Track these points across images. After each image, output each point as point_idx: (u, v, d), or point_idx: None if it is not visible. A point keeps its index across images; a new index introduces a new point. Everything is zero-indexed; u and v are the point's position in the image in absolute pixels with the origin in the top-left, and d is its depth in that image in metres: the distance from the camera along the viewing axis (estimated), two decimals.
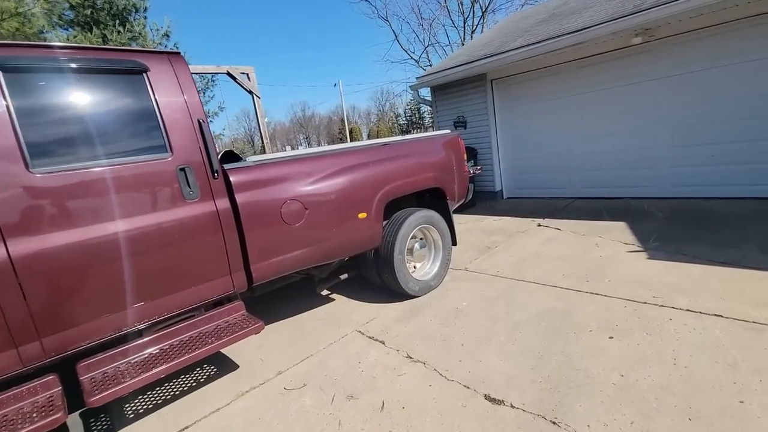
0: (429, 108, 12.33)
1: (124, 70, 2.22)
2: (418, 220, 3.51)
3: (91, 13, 9.67)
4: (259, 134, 9.92)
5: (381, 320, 3.24)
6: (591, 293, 3.14)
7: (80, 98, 2.09)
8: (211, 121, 13.86)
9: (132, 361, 2.23)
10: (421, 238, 3.75)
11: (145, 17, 11.20)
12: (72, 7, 9.42)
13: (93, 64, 2.12)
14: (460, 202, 4.38)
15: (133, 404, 2.57)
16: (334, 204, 2.94)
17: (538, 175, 6.84)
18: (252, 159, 2.77)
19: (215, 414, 2.37)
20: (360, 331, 3.11)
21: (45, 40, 7.59)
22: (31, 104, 1.95)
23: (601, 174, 6.10)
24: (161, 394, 2.65)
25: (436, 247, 3.79)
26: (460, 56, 7.64)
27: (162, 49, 2.16)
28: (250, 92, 8.92)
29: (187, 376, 2.83)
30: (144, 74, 2.26)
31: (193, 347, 2.31)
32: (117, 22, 9.90)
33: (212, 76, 13.25)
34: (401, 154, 3.46)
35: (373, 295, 3.70)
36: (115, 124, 2.19)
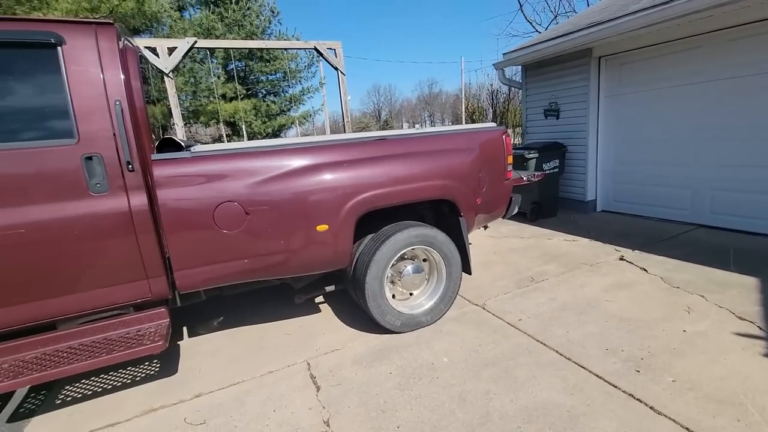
0: (507, 92, 10.46)
1: (34, 42, 1.98)
2: (409, 240, 2.75)
3: None
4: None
5: (340, 355, 2.66)
6: (630, 396, 2.03)
7: None
8: (310, 96, 14.36)
9: (24, 359, 2.12)
10: (424, 259, 2.98)
11: None
12: None
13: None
14: (493, 219, 3.40)
15: (65, 390, 2.54)
16: (284, 211, 2.40)
17: (648, 187, 5.14)
18: (197, 149, 2.39)
19: (109, 428, 2.16)
20: (309, 364, 2.59)
21: (159, 21, 8.47)
22: None
23: (744, 198, 4.23)
24: (96, 384, 2.56)
25: (438, 274, 2.97)
26: (564, 27, 6.09)
27: (103, 20, 2.03)
28: (336, 68, 8.77)
29: (133, 368, 2.71)
30: (58, 48, 2.00)
31: (82, 357, 2.10)
32: (234, 0, 10.65)
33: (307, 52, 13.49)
34: (395, 153, 2.70)
35: (359, 316, 3.11)
36: (13, 101, 2.00)
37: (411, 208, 3.05)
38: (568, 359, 2.38)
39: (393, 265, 2.83)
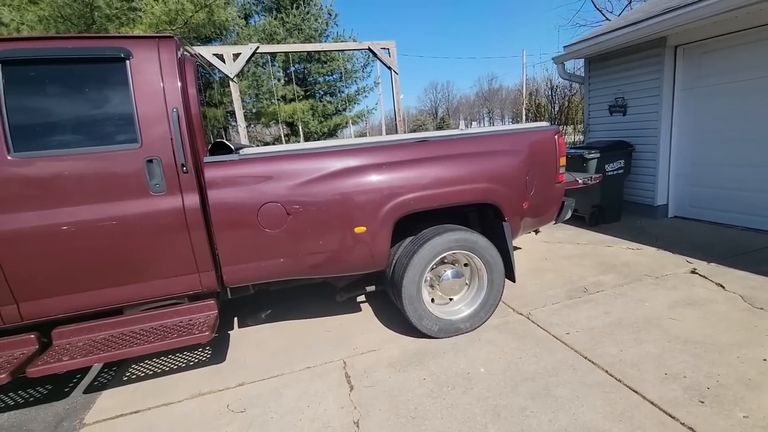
0: (569, 87, 9.65)
1: (107, 57, 2.22)
2: (448, 244, 2.68)
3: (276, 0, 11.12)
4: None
5: (376, 356, 2.67)
6: (690, 429, 1.81)
7: (61, 86, 2.20)
8: (365, 96, 14.55)
9: (96, 338, 2.39)
10: (465, 264, 2.90)
11: None
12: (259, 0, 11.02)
13: (77, 53, 2.17)
14: (542, 224, 3.21)
15: (131, 368, 2.82)
16: (323, 212, 2.46)
17: (731, 191, 4.55)
18: (244, 152, 2.52)
19: (163, 408, 2.37)
20: (345, 363, 2.64)
21: (227, 29, 9.06)
22: (18, 94, 2.12)
23: None
24: (156, 365, 2.82)
25: (480, 281, 2.87)
26: (634, 14, 5.56)
27: (164, 33, 2.20)
28: (389, 68, 8.83)
29: (188, 353, 2.95)
30: (127, 61, 2.22)
31: (142, 341, 2.32)
32: (294, 5, 11.11)
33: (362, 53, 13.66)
34: (436, 155, 2.65)
35: (398, 318, 3.11)
36: (88, 111, 2.24)
37: (455, 211, 2.98)
38: (619, 381, 2.18)
39: (432, 268, 2.79)
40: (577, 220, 5.39)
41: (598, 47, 5.31)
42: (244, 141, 7.76)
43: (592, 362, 2.37)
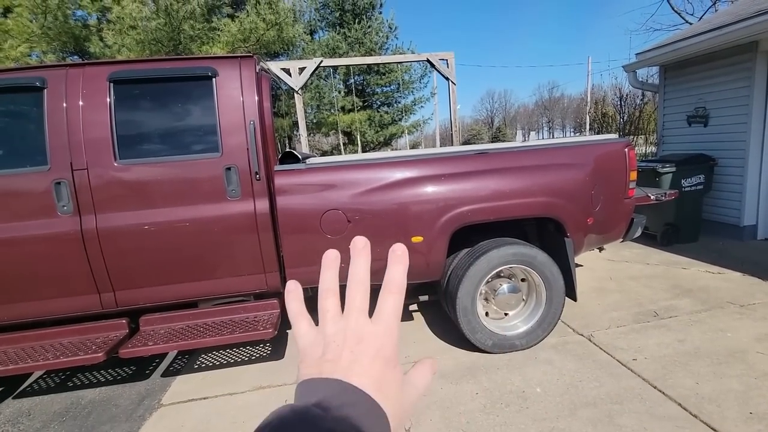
0: (641, 96, 8.89)
1: (199, 76, 2.49)
2: (506, 258, 2.64)
3: (339, 15, 11.62)
4: (450, 122, 9.84)
5: None
6: None
7: (157, 102, 2.50)
8: (421, 106, 14.65)
9: (174, 328, 2.64)
10: (522, 279, 2.83)
11: (380, 12, 12.58)
12: (324, 15, 11.57)
13: (173, 73, 2.46)
14: (608, 241, 3.05)
15: (202, 358, 3.08)
16: (382, 221, 2.54)
17: None
18: (311, 161, 2.69)
19: (229, 397, 2.56)
20: None
21: (294, 45, 9.62)
22: (124, 109, 2.44)
23: None
24: (224, 357, 3.06)
25: (537, 297, 2.78)
26: (719, 18, 5.11)
27: (245, 53, 2.39)
28: (447, 78, 8.87)
29: (251, 348, 3.16)
30: (213, 79, 2.48)
31: (212, 333, 2.53)
32: (356, 20, 11.55)
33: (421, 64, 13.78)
34: (495, 168, 2.63)
35: (450, 330, 3.10)
36: (178, 124, 2.52)
37: (514, 224, 2.93)
38: (695, 416, 2.01)
39: (488, 282, 2.76)
40: (648, 239, 5.01)
41: (676, 54, 4.94)
42: (306, 149, 8.16)
43: (663, 393, 2.20)
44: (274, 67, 7.59)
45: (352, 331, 0.34)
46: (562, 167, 2.69)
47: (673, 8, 14.09)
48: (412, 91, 14.66)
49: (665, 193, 3.47)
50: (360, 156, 2.70)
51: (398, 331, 0.35)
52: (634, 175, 2.94)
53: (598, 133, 11.22)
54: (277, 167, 2.56)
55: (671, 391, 2.20)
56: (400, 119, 14.48)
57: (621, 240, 3.11)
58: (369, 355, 0.33)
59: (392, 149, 14.86)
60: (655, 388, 2.25)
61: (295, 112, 7.64)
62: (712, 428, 1.92)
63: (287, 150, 2.79)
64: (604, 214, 2.83)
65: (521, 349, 2.75)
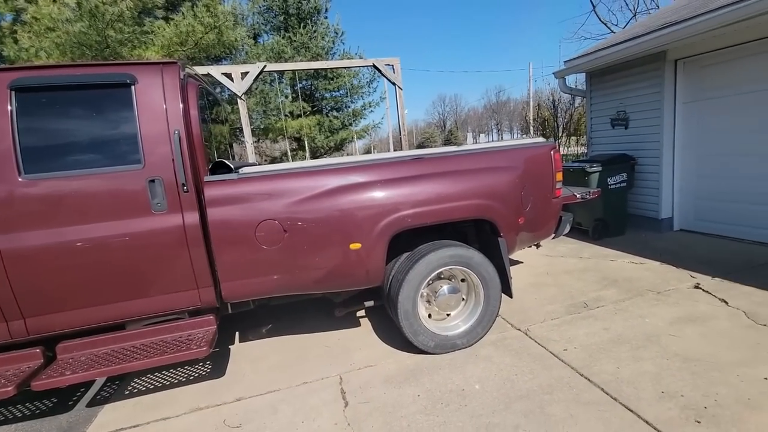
0: (571, 100, 9.64)
1: (115, 83, 2.33)
2: (444, 260, 2.70)
3: (284, 19, 11.44)
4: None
5: (372, 372, 2.69)
6: None
7: (69, 111, 2.32)
8: (371, 111, 14.78)
9: (98, 353, 2.45)
10: (462, 280, 2.91)
11: (326, 17, 12.55)
12: (268, 19, 11.36)
13: (85, 80, 2.29)
14: (539, 239, 3.22)
15: (134, 382, 2.88)
16: (319, 229, 2.51)
17: (739, 204, 4.49)
18: (244, 171, 2.61)
19: (162, 422, 2.40)
20: (341, 378, 2.65)
21: (236, 49, 9.34)
22: (30, 118, 2.24)
23: None
24: (158, 379, 2.87)
25: (476, 296, 2.87)
26: (634, 29, 5.60)
27: (168, 59, 2.28)
28: (394, 83, 8.97)
29: (189, 367, 2.99)
30: (132, 86, 2.34)
31: (141, 355, 2.38)
32: (302, 24, 11.42)
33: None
34: (430, 172, 2.70)
35: (396, 334, 3.12)
36: (94, 134, 2.35)
37: (453, 227, 3.01)
38: (615, 399, 2.16)
39: (429, 284, 2.81)
40: (581, 234, 5.36)
41: (599, 62, 5.35)
42: (252, 157, 7.93)
43: (589, 380, 2.35)
44: (215, 71, 7.32)
45: None
46: (493, 170, 2.81)
47: (600, 19, 15.26)
48: (361, 96, 14.74)
49: (589, 192, 3.73)
50: (294, 164, 2.65)
51: None
52: (560, 176, 3.13)
53: (542, 136, 11.83)
54: (207, 178, 2.46)
55: (596, 378, 2.36)
56: (351, 124, 14.50)
57: (552, 237, 3.29)
58: None
59: (343, 154, 14.81)
60: (582, 375, 2.40)
61: (240, 118, 7.40)
62: (629, 409, 2.08)
63: (219, 160, 2.69)
64: (534, 213, 2.99)
65: (463, 348, 2.83)
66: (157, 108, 2.35)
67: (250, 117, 11.86)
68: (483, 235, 3.11)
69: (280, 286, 2.61)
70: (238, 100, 7.59)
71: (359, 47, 24.38)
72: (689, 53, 4.64)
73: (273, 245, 2.50)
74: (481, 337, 2.88)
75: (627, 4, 17.22)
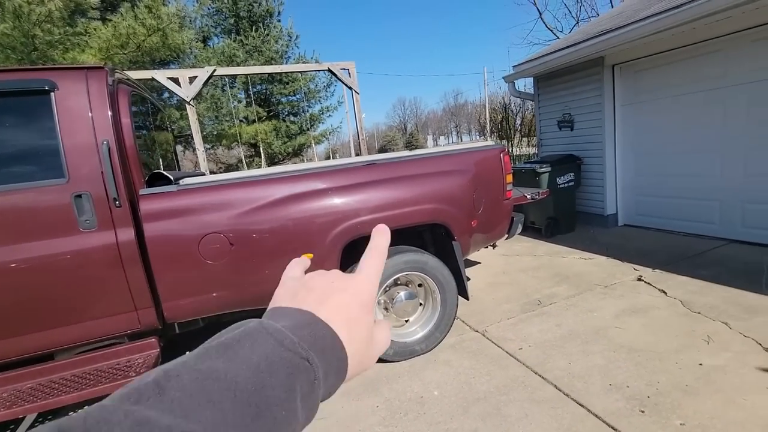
0: (521, 104, 10.16)
1: (31, 90, 2.12)
2: (399, 266, 2.68)
3: (235, 22, 11.09)
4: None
5: None
6: None
7: None
8: (329, 115, 14.65)
9: (22, 388, 2.20)
10: (419, 284, 2.90)
11: (279, 20, 12.29)
12: (217, 22, 10.98)
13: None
14: (493, 240, 3.28)
15: (70, 415, 2.62)
16: (269, 241, 2.41)
17: (673, 199, 4.83)
18: (185, 182, 2.45)
19: None
20: None
21: (184, 52, 8.94)
22: None
23: None
24: None
25: (433, 301, 2.87)
26: (575, 36, 5.91)
27: (91, 64, 2.16)
28: (350, 87, 8.91)
29: None
30: (51, 93, 2.13)
31: (72, 388, 2.16)
32: (253, 28, 11.11)
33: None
34: (382, 178, 2.67)
35: None
36: (11, 146, 2.13)
37: (409, 232, 2.99)
38: (567, 395, 2.22)
39: (386, 290, 2.78)
40: (535, 232, 5.55)
41: (544, 66, 5.58)
42: (204, 164, 7.60)
43: (542, 377, 2.40)
44: (160, 75, 6.96)
45: (338, 280, 0.36)
46: (445, 174, 2.82)
47: (546, 26, 16.04)
48: (318, 100, 14.56)
49: (539, 192, 3.86)
50: (240, 174, 2.53)
51: (377, 286, 0.37)
52: (510, 178, 3.20)
53: (499, 138, 12.12)
54: (143, 191, 2.29)
55: (549, 375, 2.41)
56: (309, 129, 14.27)
57: (506, 238, 3.36)
58: (346, 295, 0.34)
59: (303, 160, 14.56)
60: (536, 373, 2.45)
61: (190, 124, 7.07)
62: (580, 404, 2.13)
63: (156, 171, 2.51)
64: (486, 215, 3.03)
65: (422, 353, 2.82)
66: (82, 116, 2.16)
67: (201, 123, 11.36)
68: (438, 239, 3.12)
69: (229, 302, 2.48)
70: (187, 105, 7.26)
71: (315, 51, 24.18)
72: (625, 59, 4.94)
73: (219, 260, 2.36)
74: (440, 341, 2.88)
75: (570, 12, 18.29)
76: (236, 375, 0.25)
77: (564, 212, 5.33)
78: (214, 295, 2.42)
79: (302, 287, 0.36)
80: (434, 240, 3.18)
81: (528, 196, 3.65)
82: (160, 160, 3.85)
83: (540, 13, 15.51)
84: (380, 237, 0.41)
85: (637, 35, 4.24)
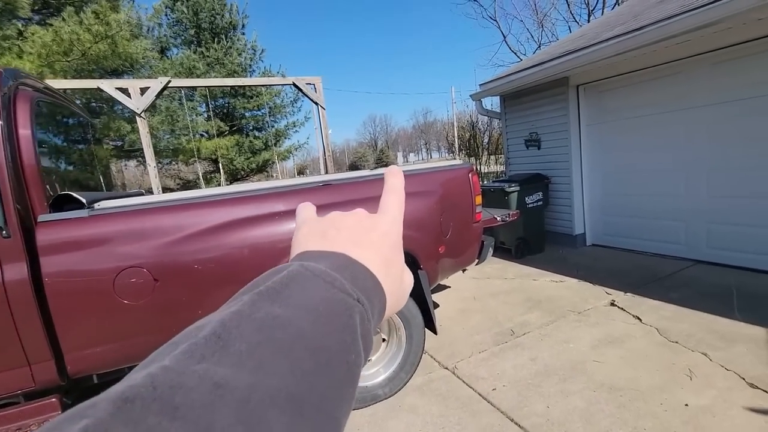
0: (488, 122, 10.34)
1: None
2: None
3: (195, 33, 10.66)
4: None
5: None
6: None
7: None
8: (296, 131, 14.31)
9: None
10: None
11: (243, 33, 11.95)
12: (177, 33, 10.52)
13: None
14: (462, 266, 3.04)
15: None
16: (202, 275, 2.04)
17: (638, 219, 4.81)
18: (101, 206, 2.05)
19: None
20: None
21: (136, 62, 8.41)
22: None
23: (743, 231, 3.88)
24: None
25: (398, 338, 2.57)
26: (540, 56, 5.95)
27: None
28: (316, 103, 8.67)
29: None
30: None
31: None
32: (215, 40, 10.72)
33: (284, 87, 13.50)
34: (342, 201, 2.37)
35: None
36: None
37: None
38: None
39: None
40: (504, 253, 5.39)
41: (510, 85, 5.54)
42: (155, 180, 7.06)
43: (519, 425, 2.13)
44: (108, 86, 6.46)
45: (366, 219, 0.36)
46: (410, 196, 2.53)
47: (510, 48, 16.57)
48: (285, 116, 14.17)
49: (509, 214, 3.68)
50: (171, 196, 2.17)
51: (402, 225, 0.37)
52: (479, 199, 2.98)
53: (467, 155, 12.03)
54: (43, 217, 1.88)
55: (526, 422, 2.15)
56: (274, 144, 13.80)
57: (476, 263, 3.13)
58: (377, 234, 0.34)
59: (268, 176, 14.01)
60: (512, 420, 2.17)
61: (140, 138, 6.55)
62: None
63: (62, 193, 2.09)
64: (454, 240, 2.79)
65: (385, 398, 2.49)
66: None
67: (156, 137, 10.69)
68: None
69: (151, 349, 2.06)
70: (138, 118, 6.78)
71: (281, 66, 23.86)
72: (588, 79, 4.96)
73: (139, 299, 1.96)
74: (406, 383, 2.57)
75: (533, 36, 19.02)
76: (300, 320, 0.23)
77: (533, 232, 5.21)
78: (134, 341, 2.01)
79: (330, 227, 0.34)
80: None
81: (498, 218, 3.46)
82: (101, 177, 3.40)
83: (504, 36, 16.05)
84: (394, 178, 0.40)
85: (600, 56, 4.24)
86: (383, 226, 0.35)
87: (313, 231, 0.34)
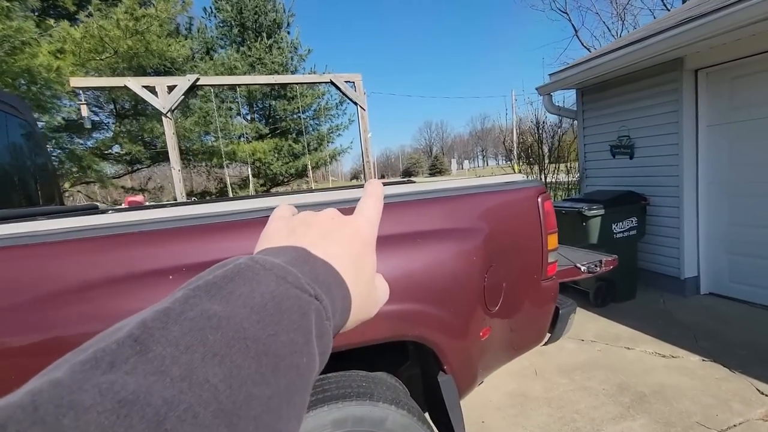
0: (559, 123, 8.61)
1: None
2: (323, 429, 1.29)
3: (239, 32, 10.35)
4: (364, 153, 8.75)
5: None
6: None
7: None
8: (339, 135, 13.57)
9: None
10: None
11: (288, 32, 11.50)
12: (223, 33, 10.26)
13: None
14: (521, 353, 1.86)
15: None
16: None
17: None
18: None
19: None
20: None
21: (175, 61, 8.06)
22: None
23: None
24: None
25: None
26: (640, 32, 4.51)
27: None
28: (356, 103, 7.86)
29: None
30: None
31: None
32: (259, 38, 10.34)
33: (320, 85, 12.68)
34: None
35: None
36: None
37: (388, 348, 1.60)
38: None
39: None
40: (579, 296, 4.02)
41: (593, 72, 4.18)
42: (179, 185, 6.63)
43: None
44: (133, 84, 6.07)
45: (338, 217, 0.34)
46: (426, 238, 1.44)
47: (582, 44, 14.67)
48: (329, 119, 13.54)
49: (601, 261, 2.38)
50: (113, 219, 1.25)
51: (377, 228, 0.35)
52: (554, 241, 1.78)
53: (529, 165, 9.83)
54: None
55: None
56: (316, 149, 13.18)
57: (544, 343, 1.93)
58: (348, 230, 0.32)
59: (307, 183, 13.38)
60: None
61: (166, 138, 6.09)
62: None
63: None
64: (509, 311, 1.62)
65: None
66: None
67: (188, 138, 10.46)
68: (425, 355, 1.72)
69: None
70: (164, 118, 6.36)
71: (327, 66, 23.48)
72: (715, 60, 3.49)
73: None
74: None
75: (609, 30, 16.78)
76: (241, 320, 0.20)
77: (622, 272, 3.79)
78: None
79: (300, 223, 0.32)
80: (419, 354, 1.77)
81: (582, 268, 2.22)
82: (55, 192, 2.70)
83: (576, 30, 14.18)
84: (374, 187, 0.38)
85: (744, 19, 2.81)
86: (356, 224, 0.33)
87: (282, 228, 0.32)
